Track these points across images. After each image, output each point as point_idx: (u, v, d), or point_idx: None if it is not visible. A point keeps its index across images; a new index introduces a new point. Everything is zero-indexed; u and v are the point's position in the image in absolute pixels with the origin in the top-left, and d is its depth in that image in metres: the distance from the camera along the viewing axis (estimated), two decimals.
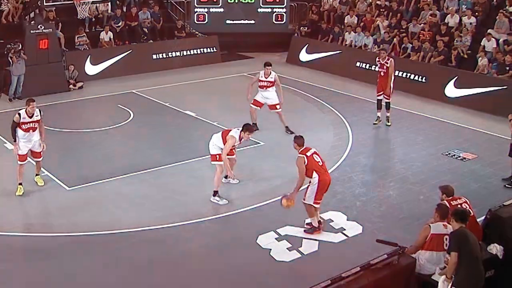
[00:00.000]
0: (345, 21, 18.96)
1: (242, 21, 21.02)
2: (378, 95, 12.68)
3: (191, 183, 9.68)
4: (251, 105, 11.89)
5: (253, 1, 20.76)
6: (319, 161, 7.76)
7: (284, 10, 21.03)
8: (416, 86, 15.50)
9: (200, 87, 16.29)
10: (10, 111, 13.07)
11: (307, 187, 7.84)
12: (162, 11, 20.03)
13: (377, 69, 12.85)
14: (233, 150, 9.04)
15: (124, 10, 19.55)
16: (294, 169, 8.02)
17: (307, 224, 8.12)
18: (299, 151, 7.79)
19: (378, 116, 12.68)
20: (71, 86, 15.62)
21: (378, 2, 18.89)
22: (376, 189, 9.58)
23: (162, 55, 18.34)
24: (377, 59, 12.94)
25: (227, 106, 13.75)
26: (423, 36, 16.56)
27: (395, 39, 17.00)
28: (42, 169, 9.70)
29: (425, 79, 15.46)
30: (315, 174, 7.71)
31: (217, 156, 8.77)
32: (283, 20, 21.09)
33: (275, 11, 20.99)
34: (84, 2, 14.99)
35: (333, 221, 8.44)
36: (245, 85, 15.80)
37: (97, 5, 18.15)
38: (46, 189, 9.40)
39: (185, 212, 8.64)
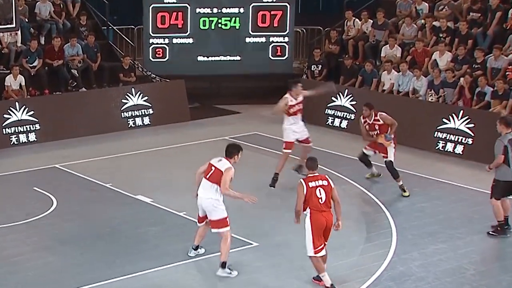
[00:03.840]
0: (382, 54, 19.47)
1: (222, 58, 21.51)
2: (366, 149, 14.48)
3: None
4: (284, 150, 14.25)
5: (238, 26, 21.31)
6: (321, 198, 9.81)
7: (286, 39, 21.53)
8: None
9: (158, 158, 16.42)
10: None
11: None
12: (101, 44, 20.55)
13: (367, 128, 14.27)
14: None
15: (42, 42, 20.09)
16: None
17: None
18: (307, 176, 10.04)
19: (372, 174, 14.87)
20: None
21: (435, 23, 19.21)
22: None
23: (101, 110, 18.60)
24: (362, 119, 14.19)
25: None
26: None
27: (462, 79, 17.15)
28: None
29: None
30: (307, 210, 9.82)
31: (224, 220, 10.42)
32: (284, 55, 21.57)
33: (273, 42, 21.50)
34: None
35: None
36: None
37: (0, 34, 18.60)
38: None
39: None
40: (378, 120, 14.02)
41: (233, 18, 21.18)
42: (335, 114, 18.91)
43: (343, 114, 18.73)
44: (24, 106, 17.45)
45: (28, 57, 19.03)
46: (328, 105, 18.96)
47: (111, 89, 19.36)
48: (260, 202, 13.28)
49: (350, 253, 11.36)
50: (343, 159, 16.23)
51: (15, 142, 17.24)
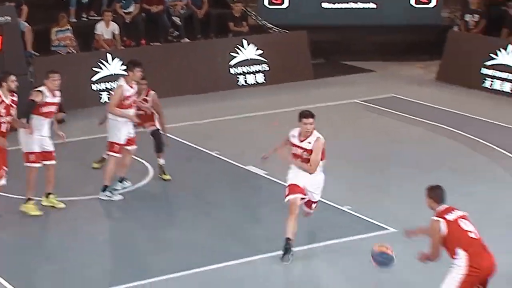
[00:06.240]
0: None
1: (353, 5, 21.47)
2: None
3: None
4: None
5: None
6: (469, 231, 8.27)
7: None
8: None
9: (273, 123, 16.24)
10: None
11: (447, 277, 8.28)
12: None
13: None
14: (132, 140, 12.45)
15: None
16: None
17: None
18: (436, 211, 8.43)
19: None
20: None
21: None
22: None
23: (206, 65, 18.58)
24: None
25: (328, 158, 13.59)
26: None
27: None
28: None
29: None
30: (461, 253, 8.14)
31: (112, 144, 12.14)
32: (430, 2, 21.39)
33: None
34: None
35: None
36: (359, 120, 15.63)
37: None
38: None
39: None
40: (147, 101, 13.02)
41: None
42: (495, 74, 18.44)
43: (507, 75, 18.27)
44: (117, 59, 17.54)
45: (123, 1, 19.09)
46: (484, 63, 18.57)
47: (218, 40, 19.41)
48: (399, 184, 13.29)
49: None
50: (507, 130, 15.87)
51: (107, 100, 16.96)
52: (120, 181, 12.55)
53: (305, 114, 10.60)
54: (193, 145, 14.65)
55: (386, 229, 11.34)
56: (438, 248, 8.24)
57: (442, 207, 8.37)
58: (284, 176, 12.79)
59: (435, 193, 8.46)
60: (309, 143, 10.47)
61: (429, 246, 8.32)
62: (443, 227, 8.17)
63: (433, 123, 16.17)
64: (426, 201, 8.45)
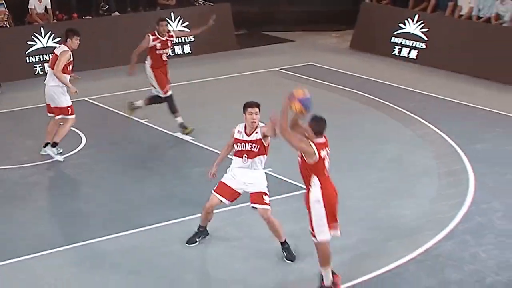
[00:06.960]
0: None
1: None
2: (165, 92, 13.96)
3: (187, 262, 9.66)
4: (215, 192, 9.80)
5: None
6: (327, 168, 8.65)
7: None
8: None
9: (199, 92, 16.47)
10: None
11: (309, 213, 8.57)
12: None
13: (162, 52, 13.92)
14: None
15: None
16: None
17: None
18: (314, 141, 8.50)
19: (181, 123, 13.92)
20: None
21: None
22: None
23: (136, 38, 18.22)
24: (150, 37, 13.70)
25: None
26: None
27: None
28: None
29: None
30: (316, 181, 8.54)
31: (69, 109, 12.34)
32: None
33: None
34: None
35: None
36: (280, 87, 16.02)
37: None
38: None
39: None
40: (172, 36, 13.99)
41: None
42: (403, 42, 18.84)
43: (412, 43, 18.67)
44: (50, 32, 17.56)
45: None
46: (394, 33, 18.95)
47: (147, 13, 19.40)
48: None
49: (420, 201, 11.15)
50: (412, 95, 16.16)
51: (40, 72, 17.27)
52: (44, 146, 12.57)
53: (250, 104, 9.51)
54: (124, 114, 14.62)
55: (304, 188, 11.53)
56: (297, 141, 8.43)
57: (320, 139, 8.51)
58: (208, 140, 13.09)
59: (317, 125, 8.54)
60: (257, 133, 9.45)
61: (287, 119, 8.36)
62: (314, 158, 8.40)
63: (347, 89, 16.40)
64: (307, 128, 8.50)
